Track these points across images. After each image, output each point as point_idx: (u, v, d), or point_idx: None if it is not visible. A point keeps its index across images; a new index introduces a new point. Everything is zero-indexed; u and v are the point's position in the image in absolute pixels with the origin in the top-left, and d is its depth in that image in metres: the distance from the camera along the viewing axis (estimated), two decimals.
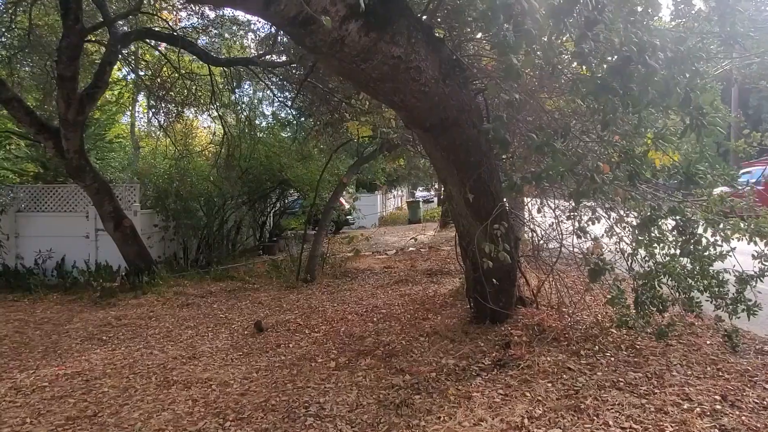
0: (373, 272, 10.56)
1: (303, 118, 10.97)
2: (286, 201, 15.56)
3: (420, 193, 34.94)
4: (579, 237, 4.19)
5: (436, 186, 28.83)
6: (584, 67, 3.03)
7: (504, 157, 5.21)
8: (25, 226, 11.45)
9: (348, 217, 17.77)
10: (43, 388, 5.48)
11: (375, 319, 6.95)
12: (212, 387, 5.20)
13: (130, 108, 19.29)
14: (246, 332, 7.02)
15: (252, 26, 11.19)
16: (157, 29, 10.67)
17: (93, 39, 10.65)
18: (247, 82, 12.50)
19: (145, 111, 21.70)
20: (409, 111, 4.02)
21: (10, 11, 10.43)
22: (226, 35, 11.83)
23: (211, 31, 11.29)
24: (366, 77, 3.66)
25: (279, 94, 11.31)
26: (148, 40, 11.27)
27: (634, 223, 4.70)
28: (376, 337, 6.02)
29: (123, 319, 8.07)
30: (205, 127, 17.79)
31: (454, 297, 7.38)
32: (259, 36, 10.94)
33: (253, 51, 12.51)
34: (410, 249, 12.81)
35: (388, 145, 9.74)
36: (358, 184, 19.49)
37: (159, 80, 11.70)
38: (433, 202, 30.73)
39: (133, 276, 10.05)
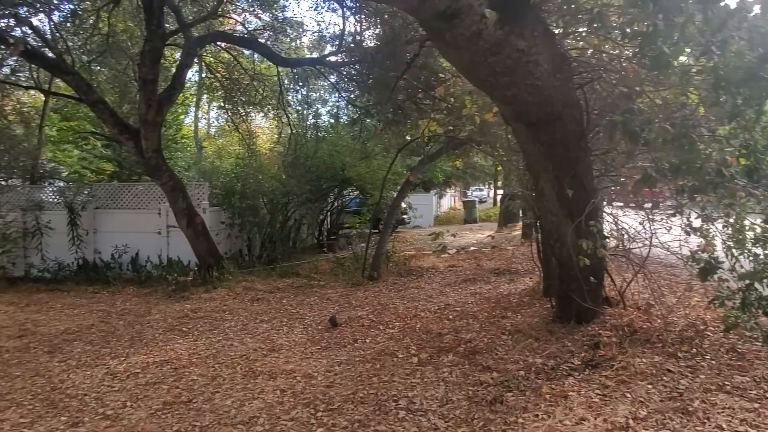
0: (438, 271, 10.56)
1: (367, 118, 11.06)
2: (344, 200, 15.74)
3: (471, 193, 34.62)
4: (688, 234, 4.07)
5: (491, 185, 28.51)
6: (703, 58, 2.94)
7: (596, 153, 5.12)
8: (102, 222, 12.00)
9: (404, 216, 17.81)
10: (137, 375, 5.74)
11: (450, 316, 6.95)
12: (297, 378, 5.32)
13: (195, 109, 20.00)
14: (320, 327, 7.14)
15: (315, 27, 11.39)
16: (229, 31, 11.01)
17: (168, 43, 11.08)
18: (313, 82, 12.73)
19: (206, 112, 22.51)
20: (518, 105, 4.03)
21: (92, 18, 10.96)
22: (289, 36, 12.11)
23: (275, 33, 11.54)
24: (489, 71, 3.70)
25: (345, 94, 11.47)
26: (218, 43, 11.64)
27: (732, 221, 4.52)
28: (455, 335, 6.02)
29: (198, 312, 8.34)
30: (270, 127, 18.19)
31: (530, 296, 7.30)
32: (324, 36, 11.13)
33: (307, 52, 12.76)
34: (472, 248, 12.74)
35: (454, 143, 9.71)
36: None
37: (229, 81, 12.06)
38: (486, 201, 30.36)
39: (203, 271, 10.37)
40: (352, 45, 9.76)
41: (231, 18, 11.43)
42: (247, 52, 12.63)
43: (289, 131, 12.37)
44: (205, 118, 23.96)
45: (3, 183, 13.33)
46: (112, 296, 9.83)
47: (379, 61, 8.86)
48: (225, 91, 12.28)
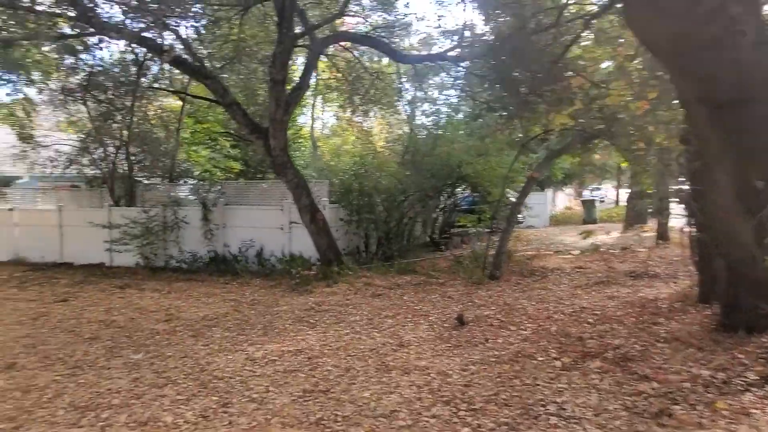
0: (564, 272, 10.02)
1: (488, 113, 10.75)
2: (456, 198, 15.52)
3: (587, 192, 32.73)
4: None
5: (616, 184, 26.67)
6: None
7: None
8: (230, 217, 12.75)
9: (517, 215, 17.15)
10: (274, 362, 5.95)
11: (590, 320, 6.51)
12: (431, 375, 5.21)
13: (311, 109, 20.68)
14: (446, 324, 7.00)
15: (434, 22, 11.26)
16: (351, 31, 11.24)
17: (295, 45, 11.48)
18: (432, 79, 12.66)
19: (321, 112, 23.26)
20: (709, 84, 3.62)
21: (225, 25, 11.66)
22: (409, 33, 12.12)
23: (395, 30, 11.59)
24: (692, 43, 3.35)
25: (466, 89, 11.25)
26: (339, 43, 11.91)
27: None
28: (599, 340, 5.61)
29: (323, 305, 8.53)
30: (386, 125, 18.39)
31: (682, 301, 6.64)
32: (445, 31, 10.99)
33: (424, 49, 12.64)
34: (600, 249, 11.97)
35: (583, 137, 9.15)
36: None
37: (350, 80, 12.31)
38: (604, 201, 28.48)
39: (324, 266, 10.63)
40: (474, 39, 9.53)
41: (352, 17, 11.64)
42: (362, 48, 12.82)
43: (408, 128, 12.38)
44: (319, 118, 24.84)
45: (146, 181, 14.69)
46: (241, 287, 10.35)
47: (505, 53, 8.56)
48: (350, 89, 12.53)
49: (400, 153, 13.19)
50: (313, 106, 19.71)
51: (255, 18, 12.40)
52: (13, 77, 12.89)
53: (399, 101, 11.89)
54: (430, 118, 13.05)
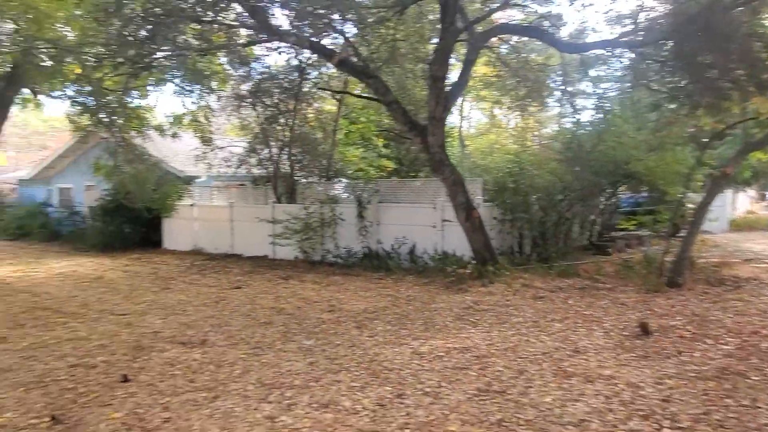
0: (763, 282, 8.70)
1: (669, 104, 9.64)
2: (618, 198, 14.29)
3: None
4: None
5: None
6: None
7: None
8: (383, 214, 12.97)
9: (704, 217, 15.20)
10: (441, 358, 5.85)
11: None
12: (619, 386, 4.76)
13: (460, 107, 20.53)
14: (625, 332, 6.40)
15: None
16: (513, 23, 10.86)
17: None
18: (599, 69, 11.80)
19: (470, 110, 22.92)
20: None
21: (383, 28, 11.90)
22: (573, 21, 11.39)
23: (557, 19, 10.96)
24: None
25: (642, 78, 10.24)
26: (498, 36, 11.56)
27: None
28: None
29: (480, 304, 8.29)
30: (544, 119, 17.59)
31: None
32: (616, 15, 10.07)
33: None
34: None
35: None
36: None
37: (513, 73, 11.90)
38: None
39: (479, 265, 10.35)
40: (652, 21, 8.62)
41: (511, 7, 11.18)
42: (516, 40, 12.31)
43: (569, 123, 11.66)
44: (467, 117, 24.45)
45: (305, 180, 15.60)
46: (395, 283, 10.44)
47: (692, 33, 7.63)
48: (514, 83, 12.12)
49: (560, 150, 12.42)
50: (462, 104, 19.53)
51: (411, 18, 12.53)
52: (197, 87, 14.43)
53: (562, 94, 11.19)
54: (595, 111, 12.08)
